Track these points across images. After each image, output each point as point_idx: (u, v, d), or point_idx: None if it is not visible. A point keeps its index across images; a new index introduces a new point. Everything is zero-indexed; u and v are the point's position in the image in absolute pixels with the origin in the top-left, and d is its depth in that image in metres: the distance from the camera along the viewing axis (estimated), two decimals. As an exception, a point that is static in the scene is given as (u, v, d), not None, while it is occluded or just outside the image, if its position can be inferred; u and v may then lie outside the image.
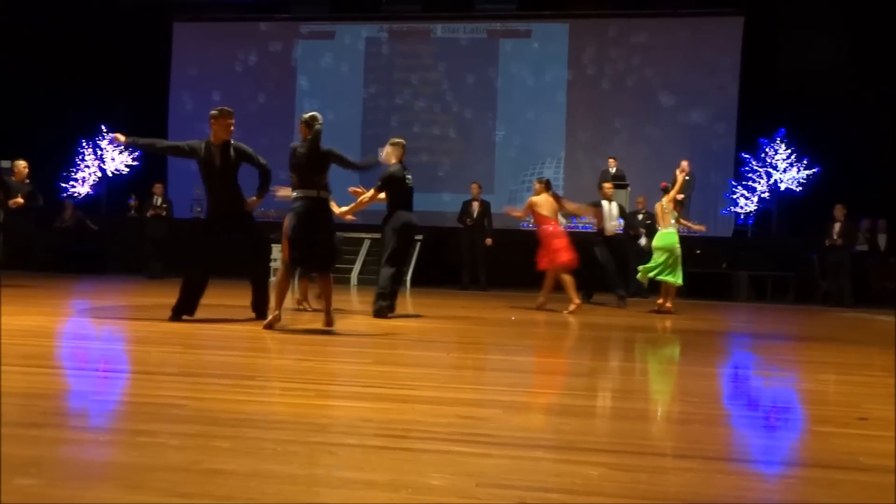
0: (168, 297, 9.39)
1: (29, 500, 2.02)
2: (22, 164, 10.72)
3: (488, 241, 12.90)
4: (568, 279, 9.11)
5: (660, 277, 9.32)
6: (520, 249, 13.54)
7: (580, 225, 14.35)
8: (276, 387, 3.83)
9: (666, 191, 9.60)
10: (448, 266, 13.80)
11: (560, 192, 16.73)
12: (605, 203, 10.63)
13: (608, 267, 10.41)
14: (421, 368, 4.83)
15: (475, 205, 13.29)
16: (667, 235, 9.33)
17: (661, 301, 9.48)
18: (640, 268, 9.58)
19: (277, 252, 13.94)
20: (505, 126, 17.21)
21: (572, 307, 8.90)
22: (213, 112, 6.71)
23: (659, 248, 9.33)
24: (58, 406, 3.32)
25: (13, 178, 10.67)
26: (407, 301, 8.65)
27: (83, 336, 5.97)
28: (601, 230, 10.64)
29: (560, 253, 9.06)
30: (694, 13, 16.42)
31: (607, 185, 10.82)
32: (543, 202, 9.22)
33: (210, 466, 2.36)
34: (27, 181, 10.69)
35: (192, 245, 6.73)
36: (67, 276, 12.88)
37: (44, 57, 16.53)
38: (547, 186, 9.37)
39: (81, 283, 11.37)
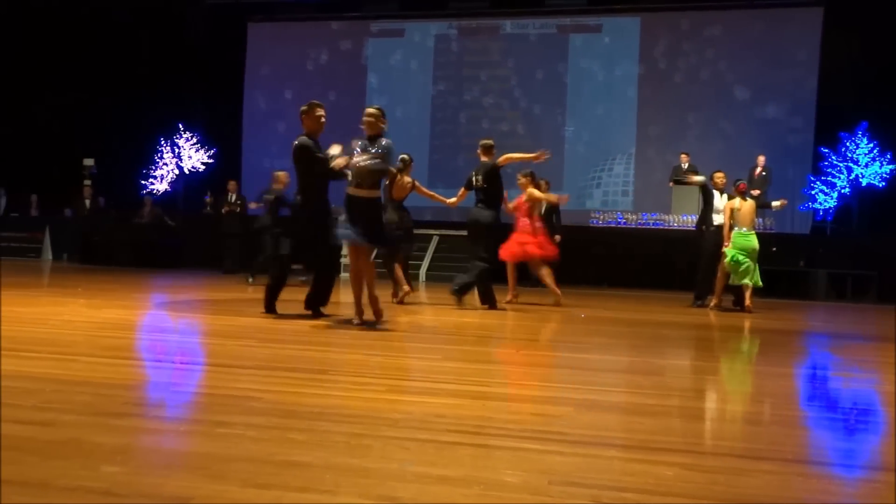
0: (243, 291, 9.63)
1: (115, 487, 2.09)
2: (282, 174, 11.15)
3: (557, 237, 12.77)
4: (547, 271, 9.14)
5: (744, 281, 9.10)
6: (588, 246, 13.44)
7: (669, 222, 14.02)
8: (348, 381, 3.87)
9: (744, 192, 9.37)
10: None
11: (630, 188, 16.59)
12: (716, 193, 10.08)
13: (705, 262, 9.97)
14: (491, 365, 4.83)
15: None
16: (750, 237, 9.16)
17: (747, 304, 9.21)
18: (733, 271, 9.21)
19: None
20: (574, 122, 17.06)
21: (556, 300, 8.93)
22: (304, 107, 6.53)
23: (744, 249, 9.11)
24: (139, 396, 3.43)
25: (276, 186, 11.20)
26: (473, 295, 8.67)
27: (162, 329, 6.15)
28: (709, 222, 10.02)
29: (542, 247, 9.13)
30: (771, 4, 16.01)
31: (719, 175, 10.19)
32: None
33: (286, 458, 2.40)
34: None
35: (317, 239, 6.40)
36: (146, 270, 13.27)
37: (124, 58, 17.08)
38: (532, 178, 9.25)
39: (160, 278, 11.70)
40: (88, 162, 16.32)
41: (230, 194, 14.04)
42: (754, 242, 9.18)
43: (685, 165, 14.19)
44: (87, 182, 16.18)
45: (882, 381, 4.74)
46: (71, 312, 6.50)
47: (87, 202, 15.99)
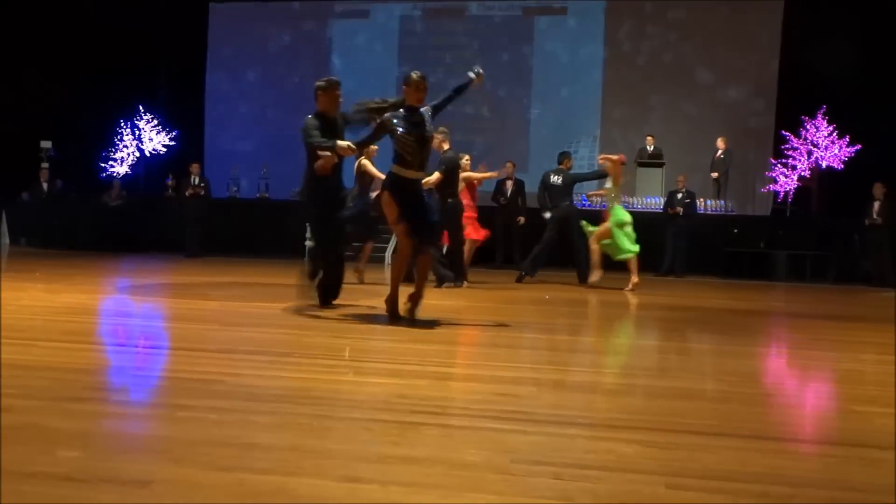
0: (206, 275, 9.54)
1: (74, 471, 2.07)
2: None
3: (521, 219, 12.84)
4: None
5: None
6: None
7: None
8: (311, 363, 3.86)
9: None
10: (481, 245, 13.78)
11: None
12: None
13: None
14: (456, 346, 4.85)
15: (509, 184, 13.23)
16: (623, 211, 9.40)
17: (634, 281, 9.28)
18: (621, 246, 9.27)
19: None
20: (539, 104, 17.07)
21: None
22: (320, 83, 6.33)
23: (626, 223, 9.26)
24: (100, 381, 3.39)
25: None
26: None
27: (124, 313, 6.08)
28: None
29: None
30: (733, -12, 16.13)
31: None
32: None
33: (249, 441, 2.40)
34: None
35: (325, 225, 6.02)
36: (107, 253, 13.07)
37: (83, 39, 16.71)
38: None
39: (121, 261, 11.54)
40: (46, 144, 15.97)
41: (193, 177, 13.86)
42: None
43: (650, 148, 14.28)
44: (45, 165, 15.84)
45: (839, 359, 4.83)
46: (29, 297, 6.40)
47: (45, 185, 15.67)
